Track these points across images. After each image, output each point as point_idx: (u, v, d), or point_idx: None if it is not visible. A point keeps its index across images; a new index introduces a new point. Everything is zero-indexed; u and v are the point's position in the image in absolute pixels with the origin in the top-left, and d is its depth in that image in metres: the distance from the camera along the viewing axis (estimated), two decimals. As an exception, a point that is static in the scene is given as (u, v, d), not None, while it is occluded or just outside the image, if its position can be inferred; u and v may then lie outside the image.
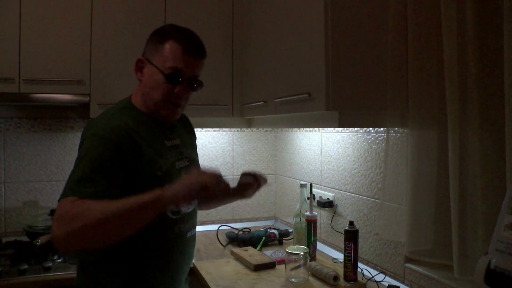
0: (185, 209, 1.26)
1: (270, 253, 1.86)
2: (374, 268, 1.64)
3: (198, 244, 2.11)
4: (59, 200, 1.04)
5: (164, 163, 1.20)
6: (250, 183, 1.27)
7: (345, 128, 1.84)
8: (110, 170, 1.08)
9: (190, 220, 1.32)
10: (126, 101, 1.28)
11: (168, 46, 1.19)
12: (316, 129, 2.09)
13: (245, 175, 1.29)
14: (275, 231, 2.10)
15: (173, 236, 1.24)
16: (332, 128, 1.94)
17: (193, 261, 1.80)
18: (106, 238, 1.02)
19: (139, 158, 1.14)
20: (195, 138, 1.50)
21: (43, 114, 2.17)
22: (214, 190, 1.02)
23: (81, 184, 1.04)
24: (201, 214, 2.44)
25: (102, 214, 0.97)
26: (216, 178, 1.03)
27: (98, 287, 1.21)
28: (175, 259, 1.27)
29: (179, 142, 1.32)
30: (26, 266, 1.64)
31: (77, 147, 2.28)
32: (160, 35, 1.23)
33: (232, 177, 2.48)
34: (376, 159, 1.64)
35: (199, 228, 2.40)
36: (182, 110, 1.29)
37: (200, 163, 1.49)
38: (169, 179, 1.14)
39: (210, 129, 2.42)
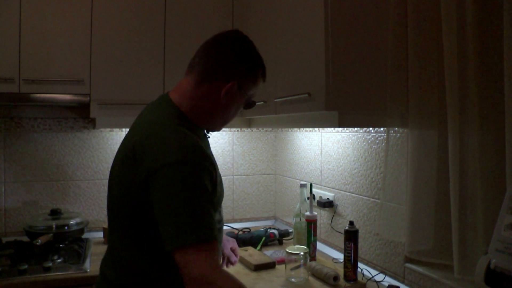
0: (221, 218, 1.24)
1: (270, 253, 1.86)
2: (374, 268, 1.64)
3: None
4: (182, 247, 0.96)
5: (219, 176, 1.16)
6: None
7: (345, 128, 1.84)
8: (213, 201, 1.08)
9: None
10: (175, 110, 1.14)
11: (259, 80, 1.21)
12: (316, 129, 2.09)
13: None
14: (275, 231, 2.10)
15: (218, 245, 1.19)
16: (332, 128, 1.94)
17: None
18: None
19: (216, 179, 1.10)
20: None
21: (43, 114, 2.17)
22: None
23: (203, 226, 0.98)
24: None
25: None
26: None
27: None
28: None
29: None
30: (26, 266, 1.64)
31: (77, 147, 2.29)
32: (254, 64, 1.19)
33: (232, 177, 2.49)
34: (376, 159, 1.64)
35: (199, 228, 2.41)
36: None
37: None
38: (222, 191, 1.18)
39: (210, 129, 2.42)
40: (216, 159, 1.29)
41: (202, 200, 1.00)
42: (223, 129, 2.38)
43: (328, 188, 1.98)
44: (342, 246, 1.58)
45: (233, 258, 1.48)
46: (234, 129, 2.48)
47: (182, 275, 0.96)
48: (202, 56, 1.15)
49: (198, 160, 1.02)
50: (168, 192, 0.99)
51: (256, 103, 1.29)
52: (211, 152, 1.19)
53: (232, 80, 1.14)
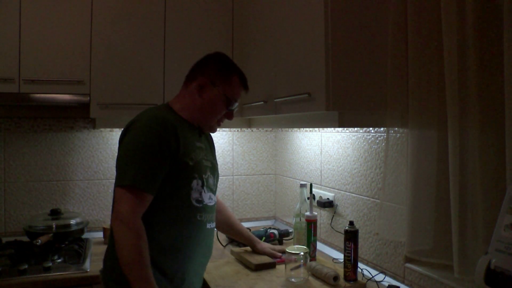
0: (208, 201, 1.41)
1: (270, 253, 1.86)
2: (374, 268, 1.64)
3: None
4: (119, 185, 1.23)
5: (195, 156, 1.38)
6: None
7: (345, 128, 1.84)
8: (161, 161, 1.27)
9: (211, 213, 1.44)
10: (165, 106, 1.46)
11: (235, 80, 1.44)
12: (316, 129, 2.09)
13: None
14: (275, 231, 2.10)
15: (195, 223, 1.37)
16: (332, 128, 1.94)
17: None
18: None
19: (178, 148, 1.31)
20: (214, 149, 1.66)
21: (43, 114, 2.17)
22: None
23: (139, 175, 1.23)
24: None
25: (135, 265, 1.17)
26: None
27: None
28: (194, 245, 1.38)
29: (204, 147, 1.48)
30: (26, 266, 1.64)
31: (77, 147, 2.30)
32: (226, 67, 1.45)
33: (232, 177, 2.49)
34: (376, 159, 1.64)
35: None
36: None
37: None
38: (198, 170, 1.37)
39: (210, 129, 2.42)
40: (216, 159, 1.37)
41: (148, 156, 1.25)
42: (223, 129, 2.42)
43: (328, 188, 1.98)
44: (342, 246, 1.58)
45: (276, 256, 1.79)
46: (234, 129, 2.48)
47: (113, 208, 1.24)
48: (191, 69, 1.47)
49: (154, 126, 1.28)
50: (126, 143, 1.30)
51: (235, 106, 1.48)
52: (203, 147, 1.45)
53: (205, 77, 1.41)
